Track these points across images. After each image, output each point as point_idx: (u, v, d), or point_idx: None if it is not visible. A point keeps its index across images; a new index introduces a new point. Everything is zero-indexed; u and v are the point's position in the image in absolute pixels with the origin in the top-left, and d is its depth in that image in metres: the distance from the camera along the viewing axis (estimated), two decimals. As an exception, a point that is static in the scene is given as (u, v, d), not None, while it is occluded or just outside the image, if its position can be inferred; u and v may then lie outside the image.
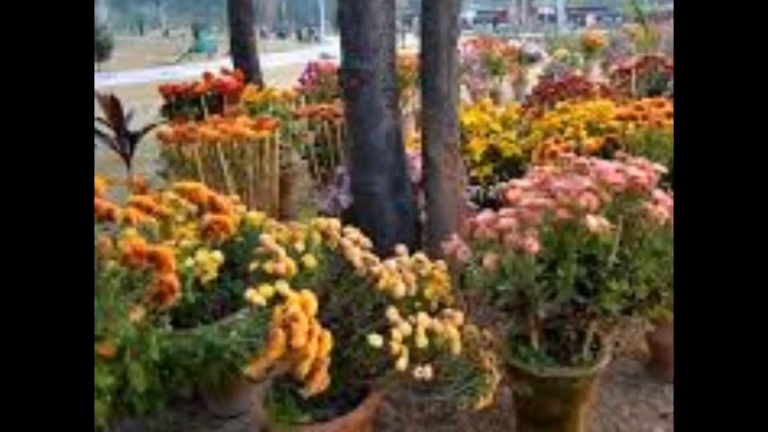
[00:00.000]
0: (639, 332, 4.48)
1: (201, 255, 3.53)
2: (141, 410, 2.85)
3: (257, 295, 2.78)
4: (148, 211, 3.44)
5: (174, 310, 3.26)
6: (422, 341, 2.93)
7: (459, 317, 3.16)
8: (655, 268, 3.15)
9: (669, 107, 5.07)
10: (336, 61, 5.78)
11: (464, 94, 15.08)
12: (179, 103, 9.06)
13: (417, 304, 3.25)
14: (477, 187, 5.70)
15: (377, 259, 3.24)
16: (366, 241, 3.37)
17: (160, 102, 9.32)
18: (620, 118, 5.28)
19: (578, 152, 4.46)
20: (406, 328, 2.91)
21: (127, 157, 9.02)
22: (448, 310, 3.20)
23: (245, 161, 6.06)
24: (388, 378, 3.05)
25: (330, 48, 36.50)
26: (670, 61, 11.94)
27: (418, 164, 4.90)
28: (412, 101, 11.74)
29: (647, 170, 3.22)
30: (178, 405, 4.14)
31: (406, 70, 10.99)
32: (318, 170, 7.68)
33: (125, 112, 9.14)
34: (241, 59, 11.22)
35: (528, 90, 12.08)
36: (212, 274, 3.53)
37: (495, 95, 15.87)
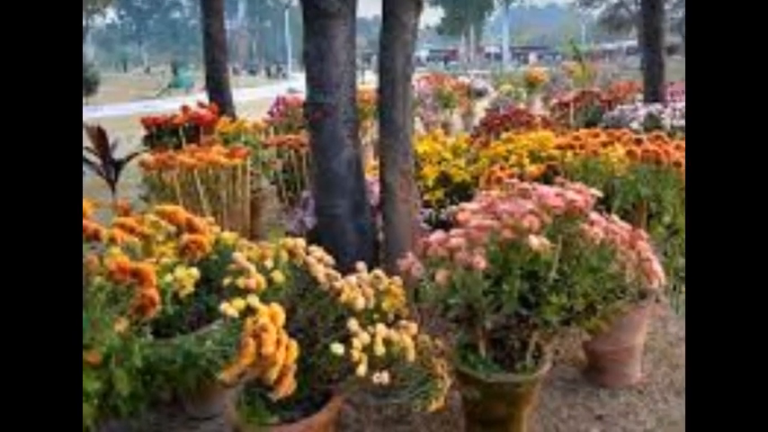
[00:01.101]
0: (577, 341, 4.50)
1: (180, 271, 3.52)
2: (125, 412, 2.84)
3: (230, 308, 2.79)
4: (131, 231, 3.44)
5: (154, 321, 3.25)
6: (380, 349, 2.95)
7: (413, 327, 3.19)
8: (591, 283, 3.19)
9: (604, 137, 5.12)
10: (302, 96, 5.80)
11: (418, 126, 15.15)
12: (159, 133, 9.04)
13: (375, 316, 3.26)
14: (430, 210, 5.72)
15: (339, 275, 3.25)
16: (329, 259, 3.39)
17: (142, 132, 9.30)
18: (559, 147, 5.31)
19: (521, 178, 4.49)
20: (365, 337, 2.93)
21: (112, 183, 8.97)
22: (403, 322, 3.22)
23: (220, 186, 6.06)
24: (349, 383, 3.06)
25: (296, 83, 36.36)
26: (605, 95, 12.09)
27: (376, 188, 4.92)
28: (371, 131, 11.78)
29: (584, 194, 3.26)
30: (158, 407, 4.13)
31: (366, 104, 11.01)
32: (286, 194, 7.69)
33: (110, 141, 9.09)
34: (216, 94, 11.23)
35: (476, 122, 12.13)
36: (189, 288, 3.53)
37: (446, 126, 15.93)
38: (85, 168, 8.51)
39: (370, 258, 4.48)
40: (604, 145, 4.90)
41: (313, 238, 4.39)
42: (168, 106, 18.44)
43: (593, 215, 3.24)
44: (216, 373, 2.87)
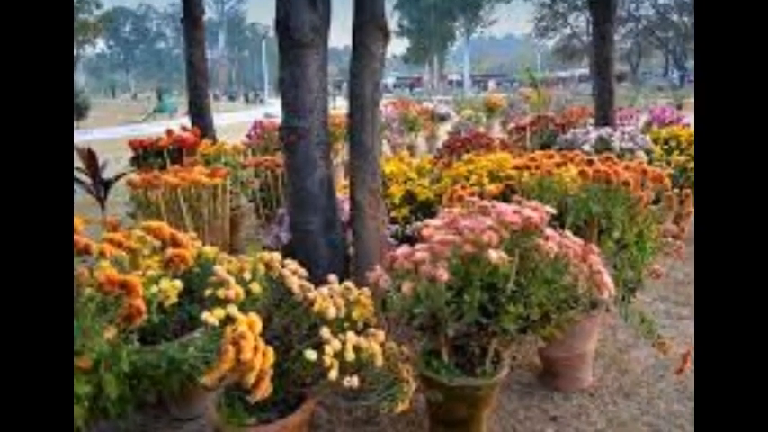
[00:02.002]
0: (533, 348, 4.51)
1: (164, 283, 3.51)
2: (114, 414, 2.83)
3: (211, 317, 2.79)
4: (119, 246, 3.42)
5: (141, 329, 3.23)
6: (350, 355, 2.97)
7: (381, 335, 3.20)
8: (546, 294, 3.21)
9: (558, 158, 5.13)
10: (278, 120, 5.80)
11: (385, 148, 15.16)
12: (145, 155, 9.06)
13: (346, 324, 3.26)
14: (397, 226, 5.73)
15: (312, 287, 3.26)
16: (303, 271, 3.40)
17: (129, 154, 9.31)
18: (516, 167, 5.31)
19: (481, 196, 4.50)
20: (336, 344, 2.95)
21: (101, 201, 8.95)
22: (371, 330, 3.23)
23: (201, 204, 6.05)
24: (322, 386, 3.08)
25: (273, 108, 36.34)
26: (558, 120, 12.16)
27: (347, 206, 4.93)
28: (341, 153, 11.78)
29: (539, 211, 3.28)
30: (145, 409, 4.12)
31: (337, 127, 11.01)
32: (263, 211, 7.69)
33: (100, 162, 9.08)
34: (198, 118, 11.22)
35: (439, 144, 12.16)
36: (173, 299, 3.51)
37: (411, 149, 15.95)
38: (77, 187, 8.51)
39: (341, 271, 4.48)
40: (558, 166, 4.91)
41: (288, 252, 4.39)
42: (154, 130, 18.39)
43: (548, 231, 3.27)
44: (198, 377, 2.86)
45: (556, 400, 4.21)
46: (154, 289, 3.47)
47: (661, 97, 35.23)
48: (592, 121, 10.88)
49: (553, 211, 3.43)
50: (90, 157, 8.94)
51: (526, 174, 5.04)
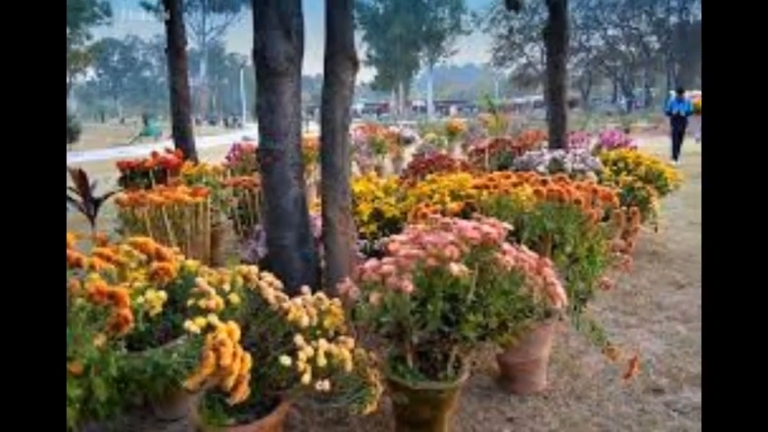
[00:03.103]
0: (491, 354, 4.55)
1: (150, 294, 3.49)
2: (103, 415, 2.82)
3: (193, 325, 2.80)
4: (108, 259, 3.41)
5: (128, 336, 3.23)
6: (322, 361, 2.99)
7: (350, 342, 3.21)
8: (503, 304, 3.24)
9: (514, 178, 5.16)
10: (255, 143, 5.80)
11: (354, 169, 15.16)
12: (132, 175, 9.06)
13: (318, 332, 3.28)
14: (365, 241, 5.74)
15: (286, 297, 3.28)
16: (278, 283, 3.41)
17: (118, 174, 9.29)
18: (476, 187, 5.34)
19: (444, 214, 4.52)
20: (309, 350, 2.96)
21: (92, 218, 8.94)
22: (342, 337, 3.25)
23: (184, 221, 6.05)
24: (296, 390, 3.08)
25: (250, 132, 36.17)
26: (515, 143, 12.23)
27: (319, 223, 4.94)
28: (314, 174, 11.78)
29: (497, 228, 3.32)
30: (132, 411, 4.12)
31: (310, 150, 11.01)
32: (241, 228, 7.68)
33: (90, 182, 9.08)
34: (181, 141, 11.24)
35: (404, 165, 12.20)
36: (158, 308, 3.50)
37: (378, 169, 16.01)
38: (69, 205, 8.50)
39: (314, 283, 4.48)
40: (515, 185, 4.93)
41: (264, 265, 4.38)
42: (140, 152, 18.31)
43: (505, 245, 3.30)
44: (181, 381, 2.86)
45: (512, 403, 4.23)
46: (140, 299, 3.46)
47: (610, 122, 35.61)
48: (546, 143, 10.95)
49: (510, 227, 3.47)
50: (81, 177, 8.94)
51: (485, 193, 5.07)
